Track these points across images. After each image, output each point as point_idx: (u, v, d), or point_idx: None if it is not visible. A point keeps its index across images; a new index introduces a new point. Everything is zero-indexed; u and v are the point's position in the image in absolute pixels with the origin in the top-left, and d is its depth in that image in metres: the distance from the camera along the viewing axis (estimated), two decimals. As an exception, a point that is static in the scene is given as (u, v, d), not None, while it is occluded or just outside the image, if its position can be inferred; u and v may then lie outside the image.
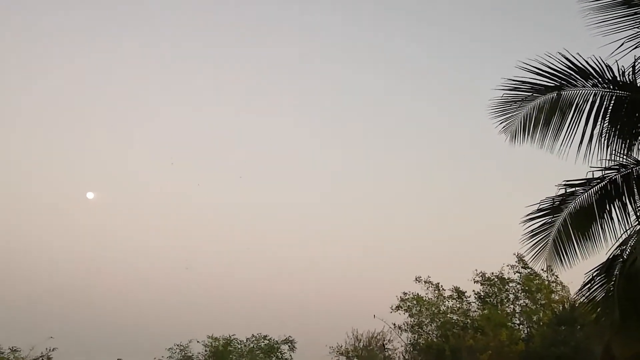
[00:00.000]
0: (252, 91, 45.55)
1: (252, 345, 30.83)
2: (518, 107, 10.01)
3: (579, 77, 9.61)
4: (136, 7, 42.42)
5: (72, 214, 41.15)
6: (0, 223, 38.82)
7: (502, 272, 29.56)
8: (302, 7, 43.47)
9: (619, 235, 10.08)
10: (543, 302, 28.49)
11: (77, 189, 42.14)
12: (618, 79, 9.46)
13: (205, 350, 30.32)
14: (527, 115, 10.01)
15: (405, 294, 29.57)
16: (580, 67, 9.49)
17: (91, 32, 43.20)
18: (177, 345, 30.24)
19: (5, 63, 41.89)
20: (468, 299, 29.77)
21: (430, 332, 29.23)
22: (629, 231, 9.98)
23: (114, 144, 45.01)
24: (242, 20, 44.27)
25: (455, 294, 29.79)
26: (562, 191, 10.26)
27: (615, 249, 10.00)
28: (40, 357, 26.14)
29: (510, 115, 10.12)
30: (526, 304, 29.15)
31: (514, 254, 28.59)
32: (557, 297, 28.46)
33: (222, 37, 45.73)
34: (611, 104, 9.62)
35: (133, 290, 37.29)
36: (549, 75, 9.66)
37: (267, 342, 30.94)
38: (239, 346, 30.81)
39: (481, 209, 41.65)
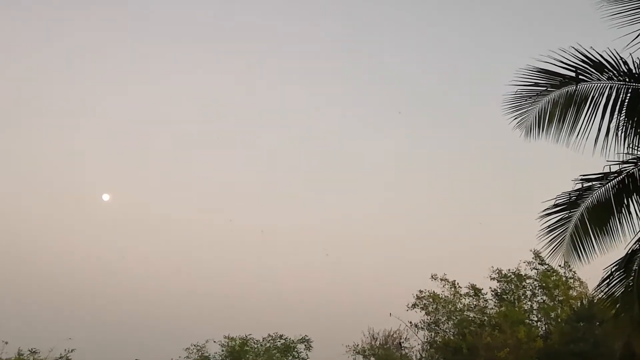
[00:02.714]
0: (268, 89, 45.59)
1: (268, 344, 30.91)
2: (533, 102, 9.93)
3: (593, 71, 9.52)
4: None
5: (87, 215, 41.45)
6: (16, 224, 39.26)
7: (519, 268, 29.40)
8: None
9: (638, 230, 9.98)
10: (561, 298, 28.26)
11: (93, 191, 42.47)
12: (634, 71, 9.35)
13: (222, 350, 30.45)
14: (541, 110, 9.93)
15: (421, 291, 29.51)
16: (594, 61, 9.40)
17: (114, 35, 43.56)
18: (194, 346, 30.41)
19: (26, 64, 42.38)
20: (485, 296, 29.63)
21: (447, 330, 29.12)
22: (647, 225, 9.88)
23: (130, 146, 45.34)
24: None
25: (471, 292, 29.65)
26: (579, 186, 10.17)
27: (634, 243, 9.89)
28: (60, 358, 26.40)
29: (524, 110, 10.04)
30: (544, 301, 28.93)
31: (531, 250, 28.43)
32: (575, 293, 28.21)
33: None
34: (627, 97, 9.51)
35: (149, 290, 37.53)
36: (563, 70, 9.57)
37: (284, 341, 31.00)
38: (256, 346, 30.91)
39: (496, 205, 41.40)
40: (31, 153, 42.51)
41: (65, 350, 26.37)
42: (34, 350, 27.03)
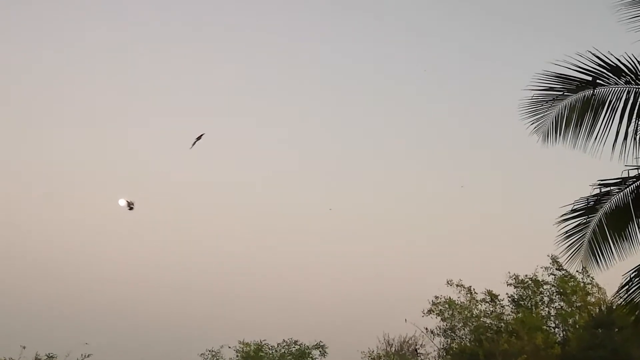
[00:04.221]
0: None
1: (283, 350, 30.88)
2: (549, 106, 9.86)
3: (611, 75, 9.43)
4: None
5: (103, 220, 41.75)
6: (32, 229, 39.69)
7: (536, 274, 29.12)
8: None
9: (658, 236, 9.85)
10: (579, 304, 27.94)
11: (109, 196, 42.78)
12: (652, 75, 9.25)
13: (237, 356, 30.45)
14: (558, 114, 9.85)
15: (437, 297, 29.31)
16: (612, 65, 9.31)
17: (128, 44, 44.08)
18: (209, 351, 30.47)
19: (48, 69, 43.01)
20: (501, 302, 29.36)
21: (463, 337, 28.87)
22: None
23: (147, 150, 45.67)
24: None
25: (488, 297, 29.39)
26: (597, 191, 10.06)
27: (654, 249, 9.77)
28: (76, 363, 26.54)
29: (541, 115, 9.98)
30: (561, 307, 28.62)
31: (548, 256, 28.15)
32: (593, 300, 27.87)
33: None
34: (646, 101, 9.41)
35: (165, 296, 37.71)
36: (580, 74, 9.49)
37: (298, 347, 30.94)
38: (270, 351, 30.88)
39: (513, 211, 41.13)
40: (50, 157, 43.01)
41: (81, 355, 26.47)
42: (50, 355, 27.23)
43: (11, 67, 41.99)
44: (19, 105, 43.61)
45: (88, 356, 26.51)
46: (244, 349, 30.38)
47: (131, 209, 21.05)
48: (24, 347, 26.14)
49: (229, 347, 30.45)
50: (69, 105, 44.40)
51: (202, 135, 16.50)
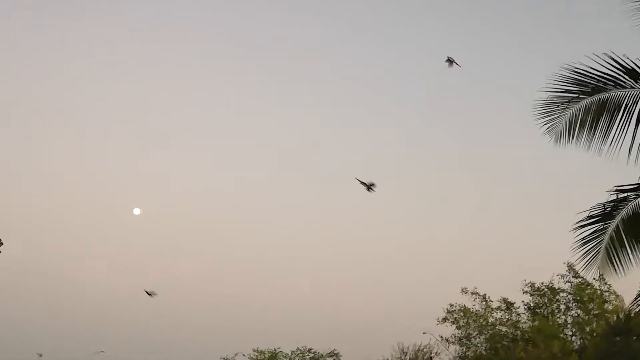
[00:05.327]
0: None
1: (297, 358, 30.86)
2: (564, 108, 9.72)
3: (627, 78, 9.29)
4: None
5: (119, 229, 42.02)
6: (49, 238, 39.98)
7: (552, 281, 28.84)
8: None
9: (676, 242, 9.69)
10: (596, 312, 27.64)
11: (124, 205, 43.12)
12: (668, 79, 9.11)
13: (251, 363, 30.50)
14: (572, 116, 9.71)
15: (451, 305, 29.11)
16: (627, 68, 9.18)
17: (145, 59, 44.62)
18: (224, 359, 30.51)
19: (62, 86, 43.61)
20: (517, 310, 29.10)
21: (478, 345, 28.64)
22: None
23: (161, 160, 46.06)
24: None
25: (503, 305, 29.14)
26: (614, 197, 9.90)
27: (672, 255, 9.60)
28: (91, 370, 26.70)
29: (555, 116, 9.83)
30: (578, 315, 28.33)
31: (564, 263, 27.88)
32: (610, 307, 27.57)
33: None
34: (662, 105, 9.26)
35: (179, 304, 37.74)
36: (595, 77, 9.37)
37: (312, 355, 30.92)
38: (285, 359, 30.88)
39: (529, 217, 40.85)
40: (66, 167, 43.48)
41: (98, 363, 26.71)
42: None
43: (27, 75, 42.62)
44: (35, 115, 44.20)
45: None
46: (258, 356, 30.39)
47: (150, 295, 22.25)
48: (41, 355, 26.41)
49: (243, 355, 30.52)
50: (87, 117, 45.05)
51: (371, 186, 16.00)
